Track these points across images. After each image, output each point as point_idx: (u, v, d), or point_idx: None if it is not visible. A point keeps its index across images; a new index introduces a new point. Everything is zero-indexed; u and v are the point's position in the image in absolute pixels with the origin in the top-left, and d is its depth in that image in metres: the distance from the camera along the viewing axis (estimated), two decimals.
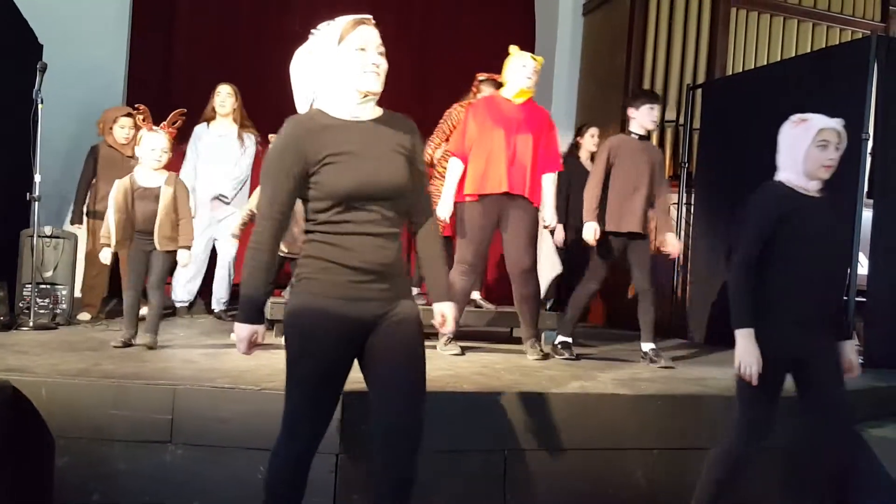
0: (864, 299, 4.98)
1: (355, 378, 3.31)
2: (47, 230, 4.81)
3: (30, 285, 4.60)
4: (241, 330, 2.15)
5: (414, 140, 2.26)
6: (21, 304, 4.66)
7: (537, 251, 4.51)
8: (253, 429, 2.94)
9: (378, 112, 2.24)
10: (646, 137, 4.56)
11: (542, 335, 4.63)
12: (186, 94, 7.08)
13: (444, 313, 2.35)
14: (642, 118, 4.49)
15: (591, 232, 4.37)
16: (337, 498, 2.93)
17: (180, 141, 5.42)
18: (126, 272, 4.14)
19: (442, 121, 5.44)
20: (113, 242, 3.99)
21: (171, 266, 4.17)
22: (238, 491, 2.91)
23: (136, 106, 4.26)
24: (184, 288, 5.74)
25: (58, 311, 4.76)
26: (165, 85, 7.20)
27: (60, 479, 2.88)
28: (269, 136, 4.58)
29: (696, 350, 5.41)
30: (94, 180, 5.35)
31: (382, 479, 2.18)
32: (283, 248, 4.31)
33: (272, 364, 3.64)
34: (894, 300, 4.98)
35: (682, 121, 6.78)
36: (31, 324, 4.42)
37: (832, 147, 2.73)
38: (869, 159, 5.03)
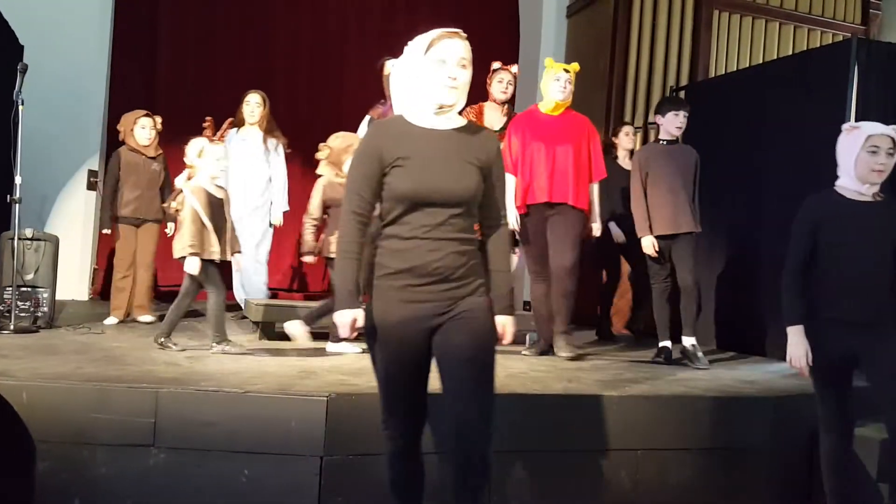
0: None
1: (339, 381, 3.32)
2: (28, 232, 4.76)
3: (10, 288, 4.55)
4: (343, 316, 2.20)
5: (492, 153, 2.30)
6: (1, 307, 4.61)
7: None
8: (237, 432, 2.92)
9: (459, 123, 2.30)
10: (675, 142, 4.71)
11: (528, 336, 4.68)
12: (170, 95, 7.08)
13: (504, 325, 2.37)
14: (668, 124, 4.69)
15: (649, 245, 4.62)
16: (321, 501, 2.91)
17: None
18: (208, 280, 4.08)
19: None
20: (217, 250, 4.02)
21: None
22: (222, 495, 2.89)
23: (206, 118, 4.27)
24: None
25: (39, 314, 4.71)
26: (149, 86, 7.17)
27: (41, 484, 2.84)
28: (320, 145, 4.60)
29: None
30: (118, 185, 5.33)
31: (458, 481, 2.22)
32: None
33: (256, 367, 3.63)
34: None
35: None
36: (11, 327, 4.38)
37: (883, 152, 2.81)
38: None
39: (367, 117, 5.14)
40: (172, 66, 7.24)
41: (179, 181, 4.18)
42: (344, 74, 7.63)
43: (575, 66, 4.59)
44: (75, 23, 6.45)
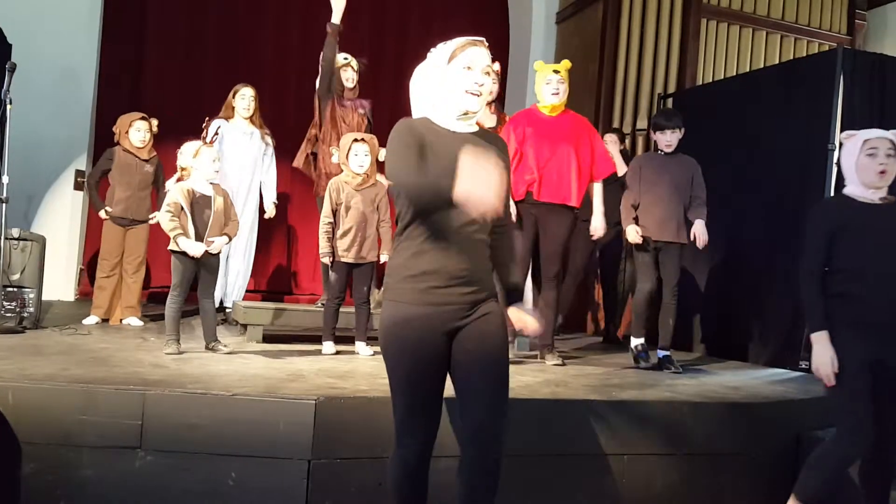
0: None
1: (327, 384, 3.32)
2: (14, 232, 4.73)
3: None
4: None
5: (505, 155, 2.38)
6: None
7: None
8: (224, 435, 2.91)
9: (475, 128, 2.35)
10: (673, 153, 4.78)
11: (516, 341, 4.71)
12: (157, 94, 7.05)
13: (521, 317, 2.38)
14: (657, 141, 4.82)
15: (632, 233, 4.68)
16: None
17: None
18: (174, 274, 4.13)
19: None
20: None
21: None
22: (209, 498, 2.89)
23: (207, 118, 4.41)
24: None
25: (25, 314, 4.68)
26: (137, 86, 7.15)
27: (27, 486, 2.83)
28: (330, 148, 4.57)
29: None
30: (109, 183, 5.35)
31: (471, 476, 2.24)
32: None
33: (244, 370, 3.63)
34: None
35: None
36: None
37: (882, 153, 2.86)
38: (835, 169, 5.13)
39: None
40: (161, 66, 7.21)
41: (170, 184, 4.24)
42: None
43: (566, 64, 4.60)
44: (64, 22, 6.42)
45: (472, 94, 2.24)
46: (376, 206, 4.42)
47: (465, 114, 2.28)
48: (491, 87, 2.34)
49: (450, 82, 2.24)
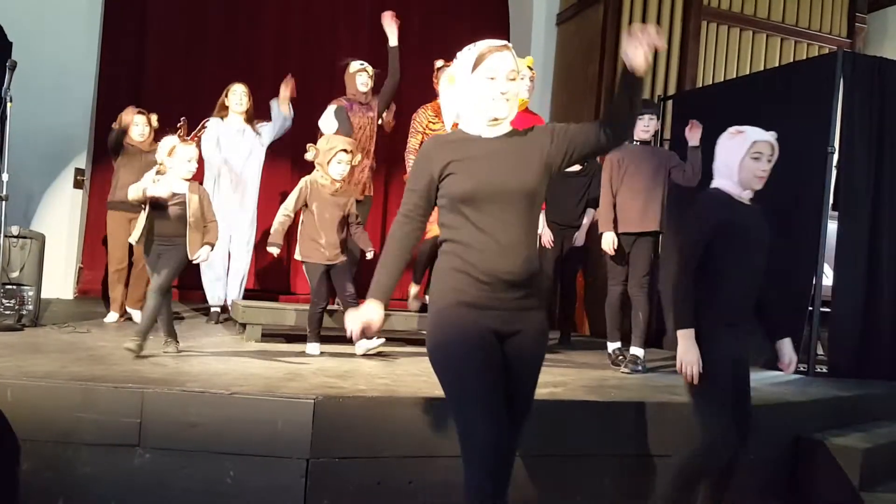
0: (829, 310, 5.07)
1: (325, 383, 3.32)
2: (14, 230, 4.73)
3: None
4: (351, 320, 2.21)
5: (546, 132, 2.31)
6: None
7: None
8: (223, 433, 2.92)
9: (509, 129, 2.31)
10: (647, 143, 4.75)
11: None
12: (157, 93, 7.04)
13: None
14: (636, 129, 4.73)
15: (609, 242, 4.64)
16: (307, 503, 2.91)
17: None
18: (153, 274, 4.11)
19: (412, 129, 5.51)
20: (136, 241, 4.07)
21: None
22: (207, 496, 2.89)
23: (183, 118, 4.44)
24: (213, 291, 5.73)
25: (23, 312, 4.68)
26: (136, 84, 7.14)
27: (25, 484, 2.83)
28: (308, 146, 4.61)
29: (666, 357, 5.47)
30: (113, 168, 5.44)
31: None
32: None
33: (242, 368, 3.63)
34: (858, 311, 5.08)
35: None
36: None
37: (765, 159, 2.88)
38: (834, 172, 5.14)
39: (333, 106, 5.23)
40: (161, 65, 7.21)
41: (148, 176, 4.19)
42: (333, 75, 7.62)
43: (530, 61, 4.67)
44: (64, 21, 6.42)
45: (498, 101, 2.21)
46: (347, 211, 4.45)
47: (495, 120, 2.25)
48: (521, 86, 2.31)
49: (475, 91, 2.21)
